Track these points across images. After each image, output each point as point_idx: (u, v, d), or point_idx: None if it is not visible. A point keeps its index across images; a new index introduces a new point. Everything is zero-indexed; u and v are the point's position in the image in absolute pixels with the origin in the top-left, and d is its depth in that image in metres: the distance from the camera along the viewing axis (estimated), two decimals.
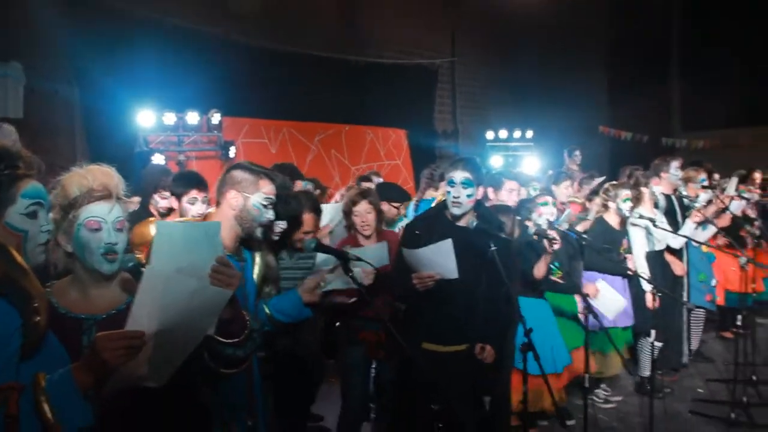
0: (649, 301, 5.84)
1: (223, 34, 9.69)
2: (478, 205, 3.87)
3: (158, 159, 8.26)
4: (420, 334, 3.81)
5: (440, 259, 3.58)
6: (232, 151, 9.20)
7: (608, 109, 16.89)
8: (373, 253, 4.07)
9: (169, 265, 2.06)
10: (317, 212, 4.17)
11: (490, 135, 12.89)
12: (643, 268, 5.99)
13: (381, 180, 7.39)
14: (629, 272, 5.73)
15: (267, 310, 3.09)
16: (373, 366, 4.65)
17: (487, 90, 14.89)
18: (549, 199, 5.30)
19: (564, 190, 6.43)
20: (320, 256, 3.92)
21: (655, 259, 6.24)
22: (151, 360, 2.04)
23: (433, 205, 5.31)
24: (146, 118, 8.43)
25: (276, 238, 3.71)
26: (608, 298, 5.35)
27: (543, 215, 4.99)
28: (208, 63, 9.06)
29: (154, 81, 8.47)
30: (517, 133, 12.97)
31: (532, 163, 12.00)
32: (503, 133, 12.88)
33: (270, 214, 2.92)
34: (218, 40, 9.59)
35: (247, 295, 2.88)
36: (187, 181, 4.31)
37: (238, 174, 2.90)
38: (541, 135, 13.22)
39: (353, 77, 11.71)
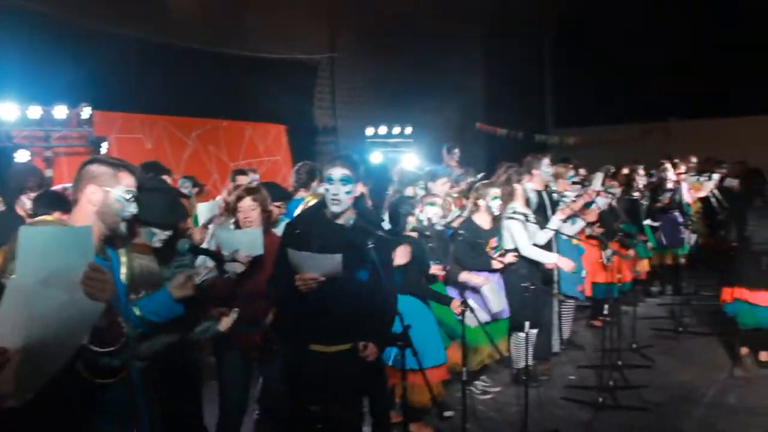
0: (567, 265, 6.06)
1: (94, 23, 9.26)
2: (357, 203, 3.87)
3: (23, 155, 7.82)
4: (305, 334, 3.77)
5: (326, 267, 3.57)
6: (104, 147, 8.81)
7: (485, 107, 17.34)
8: (245, 239, 4.02)
9: (35, 274, 1.92)
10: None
11: (369, 131, 12.96)
12: (535, 253, 6.21)
13: (257, 176, 7.30)
14: (497, 268, 5.89)
15: (138, 312, 2.98)
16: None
17: (367, 86, 14.95)
18: (437, 199, 5.38)
19: (441, 187, 6.53)
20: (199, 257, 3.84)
21: None
22: (16, 377, 1.91)
23: (301, 205, 5.30)
24: (8, 111, 7.93)
25: (159, 245, 3.57)
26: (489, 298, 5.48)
27: (424, 212, 5.08)
28: (78, 53, 8.60)
29: (16, 71, 7.95)
30: (396, 130, 13.08)
31: (412, 160, 12.15)
32: (383, 130, 12.97)
33: (132, 208, 2.80)
34: (89, 29, 9.14)
35: (118, 297, 2.76)
36: (50, 203, 4.06)
37: (96, 168, 2.75)
38: (420, 131, 13.40)
39: (231, 71, 11.47)
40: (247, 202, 4.42)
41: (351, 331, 3.76)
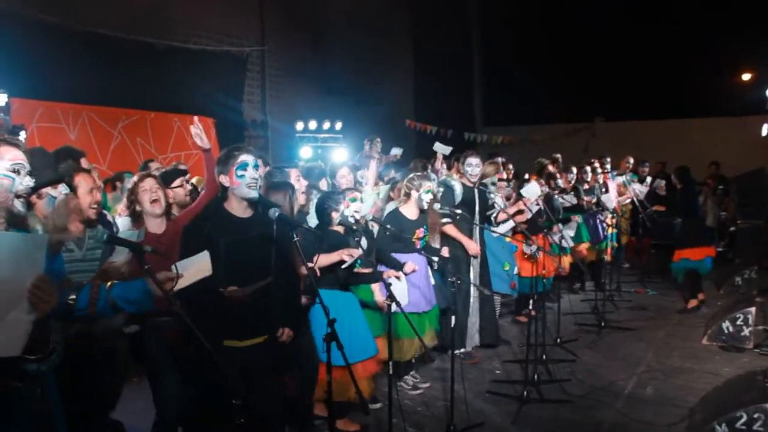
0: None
1: (13, 8, 8.91)
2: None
3: None
4: (219, 330, 3.65)
5: (256, 286, 3.54)
6: (22, 136, 8.47)
7: (415, 104, 17.43)
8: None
9: None
10: None
11: (299, 126, 12.86)
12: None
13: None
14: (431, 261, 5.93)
15: (111, 297, 2.82)
16: None
17: (297, 80, 14.84)
18: (357, 194, 5.37)
19: (341, 180, 6.54)
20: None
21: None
22: None
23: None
24: None
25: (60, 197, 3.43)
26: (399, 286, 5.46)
27: (350, 207, 5.07)
28: None
29: None
30: (326, 125, 13.03)
31: (341, 155, 12.13)
32: (313, 125, 12.89)
33: (27, 181, 2.68)
34: (6, 13, 8.79)
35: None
36: None
37: None
38: (350, 127, 13.37)
39: (159, 62, 11.22)
40: (150, 182, 4.32)
41: (266, 324, 3.74)
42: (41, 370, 2.31)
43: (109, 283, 2.92)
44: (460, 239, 6.74)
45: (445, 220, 6.62)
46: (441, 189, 6.74)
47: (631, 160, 11.81)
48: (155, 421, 4.36)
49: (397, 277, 5.27)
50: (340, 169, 6.72)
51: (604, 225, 9.53)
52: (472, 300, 7.08)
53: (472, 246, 6.80)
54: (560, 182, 9.26)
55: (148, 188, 4.29)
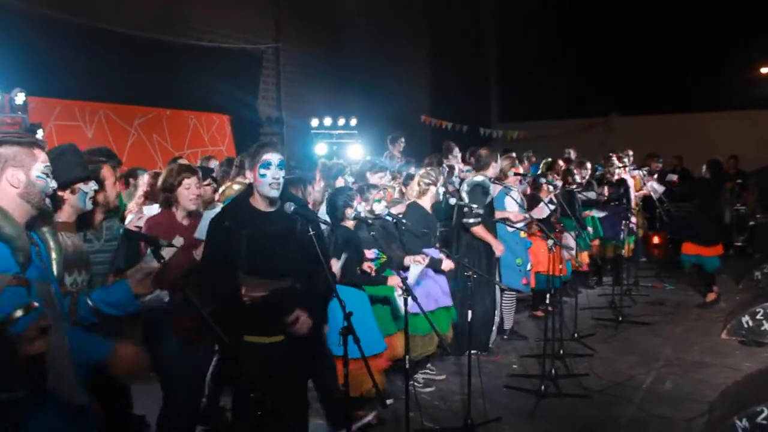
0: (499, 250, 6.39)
1: (30, 6, 8.97)
2: (283, 190, 3.83)
3: None
4: (240, 326, 3.65)
5: (279, 286, 3.54)
6: (39, 134, 8.50)
7: (430, 100, 17.41)
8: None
9: None
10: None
11: (314, 122, 12.89)
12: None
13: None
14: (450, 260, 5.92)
15: (90, 303, 2.88)
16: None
17: (312, 77, 14.87)
18: (381, 195, 5.36)
19: (379, 180, 6.53)
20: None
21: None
22: None
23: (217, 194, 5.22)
24: None
25: (90, 206, 3.47)
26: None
27: (362, 203, 5.07)
28: (11, 37, 8.28)
29: None
30: (341, 121, 13.04)
31: (356, 151, 12.15)
32: (328, 121, 12.90)
33: (54, 183, 2.71)
34: (23, 12, 8.85)
35: (51, 284, 2.66)
36: None
37: (7, 150, 2.61)
38: (365, 123, 13.38)
39: (174, 60, 11.27)
40: (195, 181, 4.36)
41: (286, 322, 3.72)
42: (11, 400, 2.33)
43: (88, 290, 2.95)
44: (488, 240, 6.73)
45: (473, 220, 6.61)
46: (467, 188, 6.73)
47: (630, 153, 11.66)
48: (162, 413, 4.37)
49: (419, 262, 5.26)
50: (373, 171, 6.67)
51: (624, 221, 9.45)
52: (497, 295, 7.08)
53: (500, 246, 6.79)
54: (577, 178, 9.22)
55: (193, 186, 4.34)
